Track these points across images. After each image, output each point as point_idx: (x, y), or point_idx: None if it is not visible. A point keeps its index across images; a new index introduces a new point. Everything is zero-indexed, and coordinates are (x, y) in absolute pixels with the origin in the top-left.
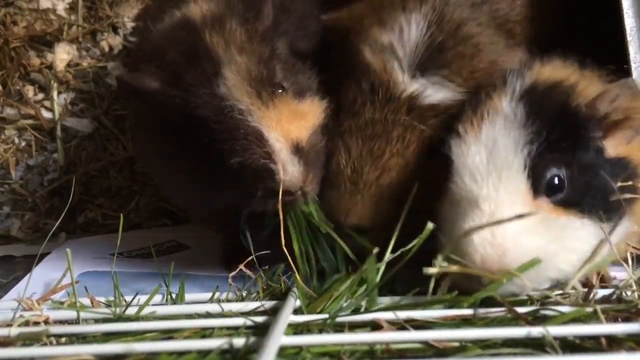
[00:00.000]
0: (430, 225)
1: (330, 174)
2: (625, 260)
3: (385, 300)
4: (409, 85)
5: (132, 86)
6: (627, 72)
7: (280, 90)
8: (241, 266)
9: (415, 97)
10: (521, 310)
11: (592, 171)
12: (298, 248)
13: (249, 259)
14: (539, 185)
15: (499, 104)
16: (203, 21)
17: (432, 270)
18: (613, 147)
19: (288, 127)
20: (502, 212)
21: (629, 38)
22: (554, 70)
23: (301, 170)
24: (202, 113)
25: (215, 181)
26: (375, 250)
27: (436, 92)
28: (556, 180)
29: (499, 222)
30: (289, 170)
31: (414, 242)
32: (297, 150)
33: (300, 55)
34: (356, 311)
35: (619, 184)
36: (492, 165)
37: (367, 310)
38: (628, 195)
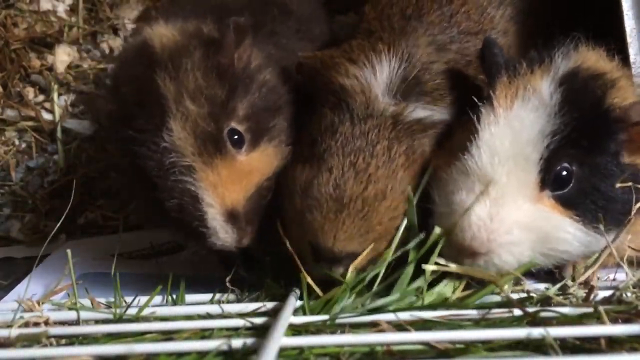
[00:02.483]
0: (437, 230)
1: (310, 198)
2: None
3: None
4: (391, 104)
5: (88, 108)
6: None
7: (233, 138)
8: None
9: (400, 113)
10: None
11: (603, 174)
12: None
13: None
14: (547, 178)
15: (540, 83)
16: (160, 56)
17: (431, 268)
18: (630, 154)
19: (224, 192)
20: (505, 201)
21: (629, 40)
22: (599, 59)
23: (234, 236)
24: (146, 163)
25: (162, 214)
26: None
27: (421, 111)
28: (564, 175)
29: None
30: (221, 237)
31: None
32: (232, 215)
33: (286, 70)
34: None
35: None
36: (512, 151)
37: (367, 311)
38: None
